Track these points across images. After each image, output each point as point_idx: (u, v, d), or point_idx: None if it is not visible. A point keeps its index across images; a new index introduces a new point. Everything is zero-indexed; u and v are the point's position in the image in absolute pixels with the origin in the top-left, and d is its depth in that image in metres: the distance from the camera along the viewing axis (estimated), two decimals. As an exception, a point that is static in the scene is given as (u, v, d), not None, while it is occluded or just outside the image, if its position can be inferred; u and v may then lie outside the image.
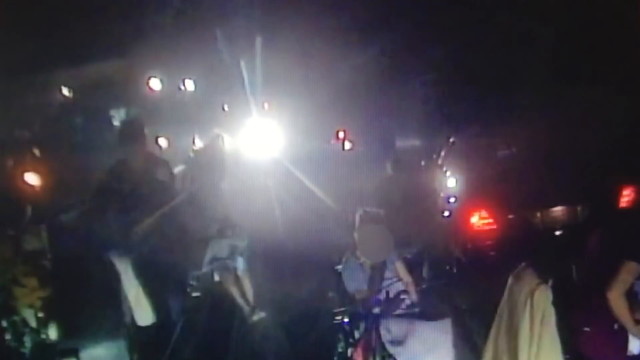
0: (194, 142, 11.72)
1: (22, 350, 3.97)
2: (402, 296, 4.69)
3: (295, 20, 12.64)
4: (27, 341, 4.10)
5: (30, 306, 4.16)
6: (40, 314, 4.13)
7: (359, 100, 13.89)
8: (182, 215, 7.30)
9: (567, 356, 3.75)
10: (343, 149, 11.47)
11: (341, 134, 12.91)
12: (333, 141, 12.68)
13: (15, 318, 4.09)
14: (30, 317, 4.17)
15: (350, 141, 11.44)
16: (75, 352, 4.04)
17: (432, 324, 4.45)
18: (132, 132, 5.41)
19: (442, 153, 9.14)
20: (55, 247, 4.69)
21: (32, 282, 4.22)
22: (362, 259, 4.86)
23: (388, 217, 6.19)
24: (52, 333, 4.10)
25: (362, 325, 4.47)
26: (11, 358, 3.86)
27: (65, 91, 11.58)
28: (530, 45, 11.42)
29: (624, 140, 7.36)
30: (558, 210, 7.13)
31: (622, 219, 4.40)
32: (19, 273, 4.26)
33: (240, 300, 6.86)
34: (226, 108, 12.07)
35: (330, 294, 5.16)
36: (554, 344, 3.72)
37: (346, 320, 4.46)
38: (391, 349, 4.38)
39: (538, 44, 11.40)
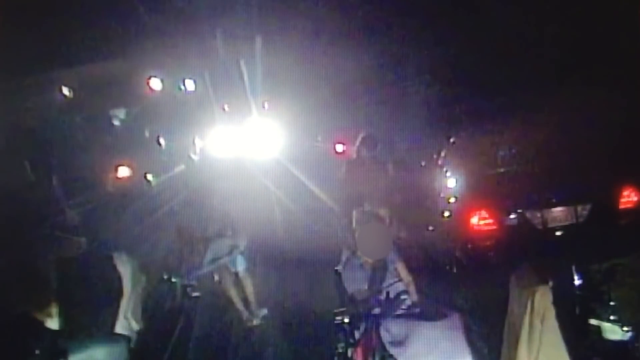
0: (194, 142, 11.72)
1: (21, 350, 3.96)
2: (402, 296, 4.69)
3: (295, 20, 12.64)
4: (26, 342, 4.09)
5: (30, 307, 4.15)
6: (40, 314, 4.12)
7: (359, 100, 13.90)
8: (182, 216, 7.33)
9: (568, 356, 3.75)
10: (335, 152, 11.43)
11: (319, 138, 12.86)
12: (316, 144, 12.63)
13: (15, 319, 4.08)
14: (30, 318, 4.16)
15: (340, 143, 11.40)
16: (75, 352, 4.04)
17: (432, 324, 4.44)
18: None
19: (442, 153, 9.14)
20: (57, 247, 4.68)
21: (33, 283, 4.22)
22: (363, 259, 4.86)
23: (388, 217, 6.21)
24: (52, 333, 4.09)
25: (362, 325, 4.47)
26: (9, 358, 3.85)
27: (65, 91, 11.58)
28: (531, 44, 11.42)
29: (624, 140, 7.37)
30: (558, 210, 7.13)
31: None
32: (20, 274, 4.25)
33: (239, 301, 6.87)
34: (226, 108, 12.07)
35: (330, 294, 5.16)
36: (555, 344, 3.72)
37: (346, 320, 4.46)
38: (391, 349, 4.37)
39: (538, 44, 11.40)
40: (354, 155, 8.19)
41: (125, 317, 4.63)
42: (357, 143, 8.01)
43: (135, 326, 4.72)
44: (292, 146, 10.39)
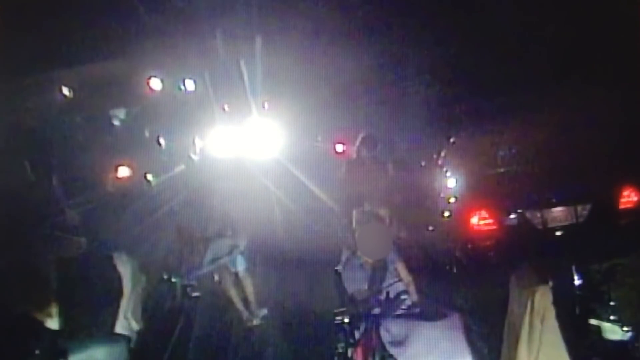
0: (194, 142, 11.72)
1: (21, 350, 3.96)
2: (402, 296, 4.69)
3: (295, 20, 12.64)
4: (26, 342, 4.09)
5: (30, 307, 4.15)
6: (40, 314, 4.12)
7: (359, 100, 13.90)
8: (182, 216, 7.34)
9: (568, 356, 3.75)
10: (335, 152, 11.44)
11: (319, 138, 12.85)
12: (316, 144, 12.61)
13: (15, 319, 4.08)
14: (30, 318, 4.16)
15: (340, 143, 11.41)
16: (75, 352, 4.04)
17: (432, 324, 4.44)
18: None
19: (442, 153, 9.13)
20: (57, 247, 4.68)
21: (33, 283, 4.22)
22: (363, 259, 4.86)
23: (388, 217, 6.21)
24: (52, 333, 4.09)
25: (362, 325, 4.47)
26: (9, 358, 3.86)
27: (65, 91, 11.58)
28: (531, 44, 11.42)
29: (624, 140, 7.37)
30: (558, 210, 7.13)
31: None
32: (20, 274, 4.26)
33: (239, 301, 6.87)
34: (226, 108, 12.07)
35: (330, 294, 5.16)
36: (555, 344, 3.72)
37: (346, 320, 4.46)
38: (391, 349, 4.37)
39: (538, 44, 11.40)
40: (354, 155, 8.20)
41: (125, 317, 4.63)
42: (357, 143, 8.02)
43: (135, 326, 4.73)
44: (292, 146, 10.39)
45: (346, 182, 7.99)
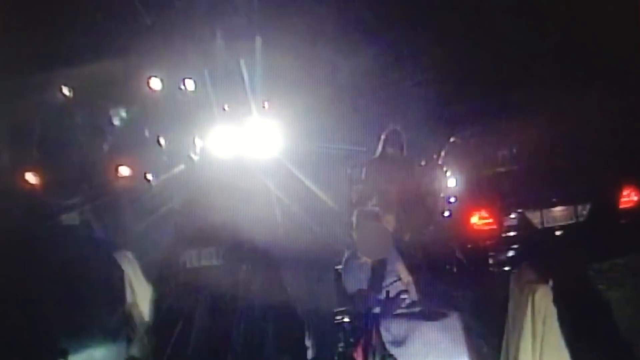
0: (194, 142, 11.71)
1: (21, 350, 3.97)
2: (402, 296, 4.70)
3: (295, 20, 12.65)
4: (26, 341, 4.09)
5: (31, 306, 4.15)
6: (41, 314, 4.12)
7: (360, 100, 13.90)
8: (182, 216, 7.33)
9: (572, 356, 3.75)
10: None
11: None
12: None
13: (15, 319, 4.09)
14: (30, 318, 4.16)
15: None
16: (75, 352, 4.04)
17: (432, 324, 4.45)
18: None
19: (442, 153, 9.13)
20: (57, 246, 4.68)
21: (33, 282, 4.22)
22: (363, 259, 4.86)
23: (388, 216, 6.20)
24: (52, 333, 4.09)
25: (362, 325, 4.47)
26: (9, 358, 3.86)
27: (65, 91, 11.59)
28: (531, 44, 11.43)
29: (624, 140, 7.37)
30: (558, 209, 7.14)
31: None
32: (20, 274, 4.26)
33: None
34: (226, 108, 12.07)
35: (330, 294, 5.16)
36: (557, 344, 3.72)
37: (346, 319, 4.46)
38: (391, 349, 4.38)
39: (538, 43, 11.41)
40: (377, 154, 7.78)
41: (126, 317, 4.63)
42: (382, 140, 7.62)
43: (136, 326, 4.72)
44: (293, 146, 10.38)
45: (366, 182, 7.73)
